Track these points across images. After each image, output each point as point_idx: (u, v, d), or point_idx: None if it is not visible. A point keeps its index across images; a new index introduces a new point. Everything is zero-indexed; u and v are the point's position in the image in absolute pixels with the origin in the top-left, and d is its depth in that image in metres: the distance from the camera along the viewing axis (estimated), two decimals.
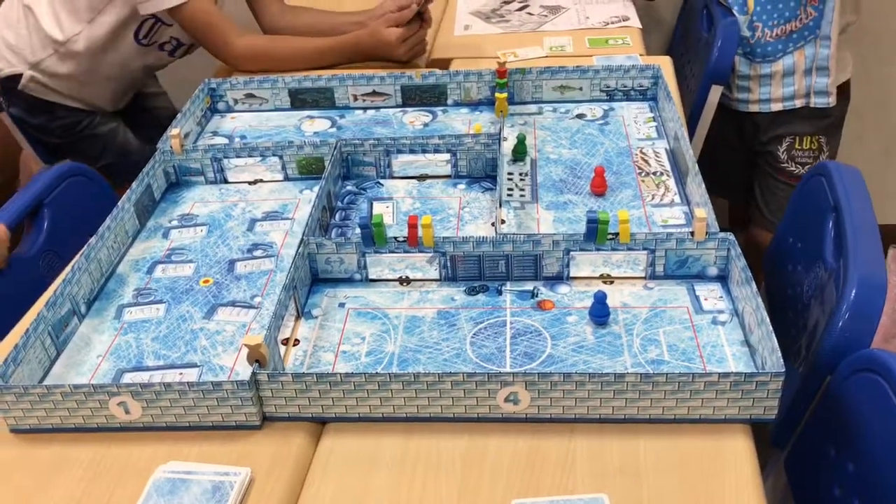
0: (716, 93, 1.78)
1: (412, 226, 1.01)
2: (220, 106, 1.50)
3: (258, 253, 1.12)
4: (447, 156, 1.25)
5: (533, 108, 1.42)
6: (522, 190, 1.20)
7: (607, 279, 1.02)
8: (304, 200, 1.23)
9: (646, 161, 1.25)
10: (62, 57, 1.63)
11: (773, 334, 0.83)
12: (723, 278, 1.00)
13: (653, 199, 1.16)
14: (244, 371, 0.90)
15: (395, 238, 1.03)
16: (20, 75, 1.65)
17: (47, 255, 1.33)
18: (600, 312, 0.95)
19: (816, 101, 1.77)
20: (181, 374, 0.93)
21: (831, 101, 1.77)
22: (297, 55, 1.61)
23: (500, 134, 1.23)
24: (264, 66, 1.61)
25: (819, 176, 1.20)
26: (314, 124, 1.44)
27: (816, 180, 1.21)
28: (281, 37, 1.69)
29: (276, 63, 1.61)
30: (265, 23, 1.75)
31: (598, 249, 1.00)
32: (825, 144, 1.81)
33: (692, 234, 0.98)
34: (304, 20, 1.75)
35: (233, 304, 1.03)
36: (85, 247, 1.05)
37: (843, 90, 1.79)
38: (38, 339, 0.93)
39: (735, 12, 1.74)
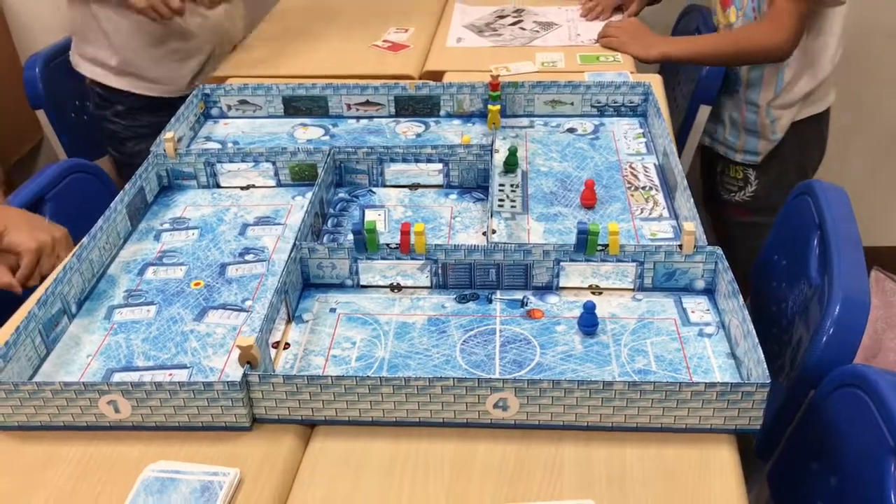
0: (703, 113, 1.81)
1: (405, 233, 1.02)
2: (214, 112, 1.50)
3: (250, 257, 1.13)
4: (439, 166, 1.26)
5: (524, 121, 1.44)
6: (513, 201, 1.21)
7: (596, 290, 1.03)
8: (296, 206, 1.23)
9: (635, 176, 1.27)
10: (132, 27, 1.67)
11: (759, 346, 0.84)
12: (710, 291, 1.02)
13: (641, 212, 1.18)
14: (234, 373, 0.90)
15: (388, 245, 1.03)
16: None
17: None
18: (589, 322, 0.96)
19: (745, 157, 1.79)
20: (171, 374, 0.93)
21: (760, 158, 1.77)
22: None
23: (492, 145, 1.24)
24: None
25: (805, 195, 1.22)
26: (307, 132, 1.45)
27: (802, 199, 1.23)
28: None
29: None
30: None
31: (587, 260, 1.02)
32: (753, 178, 1.81)
33: (680, 247, 1.00)
34: None
35: (223, 307, 1.04)
36: (77, 247, 1.05)
37: (806, 124, 1.75)
38: (29, 336, 0.93)
39: None
